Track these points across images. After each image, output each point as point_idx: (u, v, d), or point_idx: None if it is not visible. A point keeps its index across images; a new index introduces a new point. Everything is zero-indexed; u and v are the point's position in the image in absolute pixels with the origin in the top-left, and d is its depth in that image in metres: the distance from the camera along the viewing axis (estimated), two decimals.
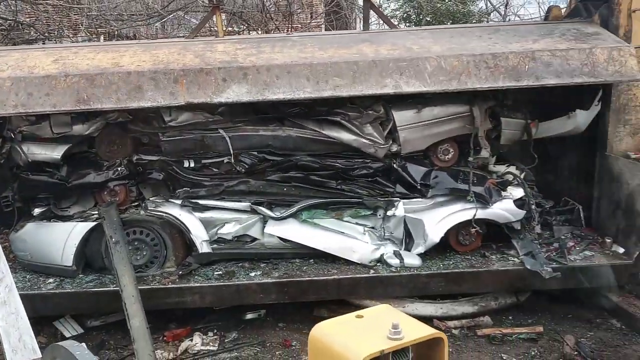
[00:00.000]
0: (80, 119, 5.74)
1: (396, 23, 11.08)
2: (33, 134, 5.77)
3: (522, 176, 6.37)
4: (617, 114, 6.18)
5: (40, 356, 2.22)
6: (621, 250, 6.00)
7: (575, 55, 5.62)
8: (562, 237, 6.26)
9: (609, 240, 6.14)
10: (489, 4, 14.91)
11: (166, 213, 5.87)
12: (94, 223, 5.74)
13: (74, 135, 5.79)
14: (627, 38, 5.99)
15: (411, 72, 5.50)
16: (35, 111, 5.40)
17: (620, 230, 6.07)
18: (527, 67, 5.58)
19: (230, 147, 5.81)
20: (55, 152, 5.73)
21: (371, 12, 7.04)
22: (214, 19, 6.74)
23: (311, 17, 15.02)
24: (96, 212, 5.81)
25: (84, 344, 2.30)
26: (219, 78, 5.42)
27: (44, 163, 5.83)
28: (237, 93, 5.38)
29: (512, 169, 6.46)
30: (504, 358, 5.40)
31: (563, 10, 7.09)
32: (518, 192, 6.16)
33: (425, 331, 3.08)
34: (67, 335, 5.84)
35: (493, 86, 5.62)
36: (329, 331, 3.15)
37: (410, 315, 5.79)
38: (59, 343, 1.77)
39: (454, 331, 5.83)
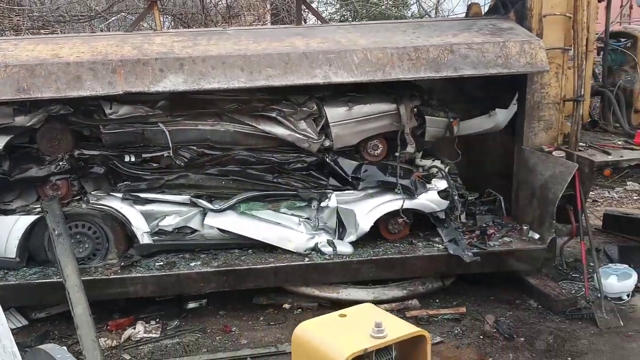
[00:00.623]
0: (22, 111, 5.89)
1: None
2: None
3: (446, 170, 6.82)
4: (531, 111, 6.70)
5: None
6: (536, 236, 6.50)
7: (490, 48, 6.10)
8: (484, 225, 6.74)
9: (525, 227, 6.64)
10: (421, 9, 15.54)
11: (108, 206, 6.08)
12: (37, 216, 5.90)
13: (16, 126, 5.93)
14: None
15: (339, 63, 5.89)
16: None
17: (535, 218, 6.58)
18: (446, 59, 6.03)
19: (169, 140, 6.07)
20: None
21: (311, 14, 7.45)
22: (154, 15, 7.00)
23: (258, 19, 15.31)
24: (39, 206, 5.97)
25: (64, 348, 2.44)
26: (156, 68, 5.67)
27: None
28: (173, 82, 5.65)
29: (437, 163, 6.91)
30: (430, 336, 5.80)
31: (484, 8, 7.60)
32: (442, 184, 6.61)
33: (407, 329, 3.09)
34: (12, 327, 5.96)
35: (415, 77, 6.07)
36: (312, 331, 3.12)
37: (343, 300, 6.25)
38: (40, 346, 1.83)
39: None
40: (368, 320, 3.05)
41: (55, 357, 1.78)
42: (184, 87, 5.67)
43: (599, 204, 10.12)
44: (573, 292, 6.50)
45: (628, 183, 10.87)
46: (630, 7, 10.35)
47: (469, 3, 7.72)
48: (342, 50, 5.97)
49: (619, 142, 6.78)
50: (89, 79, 5.59)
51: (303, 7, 7.45)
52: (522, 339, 5.76)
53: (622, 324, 5.94)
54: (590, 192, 10.61)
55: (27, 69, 5.56)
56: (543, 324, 6.04)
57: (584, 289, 6.37)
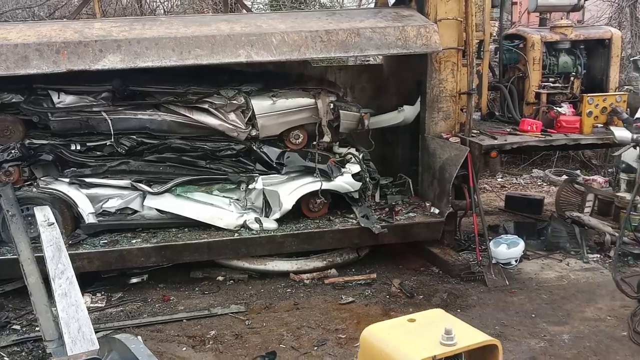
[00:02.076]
0: None
1: None
2: None
3: (360, 156, 7.76)
4: (432, 104, 7.70)
5: (98, 347, 2.19)
6: (437, 211, 7.50)
7: (391, 32, 7.05)
8: (393, 203, 7.71)
9: (428, 204, 7.64)
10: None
11: (56, 190, 6.76)
12: None
13: None
14: None
15: (260, 44, 6.73)
16: None
17: (436, 196, 7.59)
18: (353, 41, 6.95)
19: (111, 128, 6.80)
20: None
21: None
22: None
23: None
24: None
25: (139, 337, 2.34)
26: (95, 49, 6.40)
27: None
28: (112, 61, 6.39)
29: (353, 150, 7.84)
30: (343, 297, 6.71)
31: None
32: (355, 168, 7.55)
33: (479, 337, 2.93)
34: None
35: (326, 56, 7.02)
36: (381, 334, 3.04)
37: (270, 271, 7.10)
38: (115, 335, 1.80)
39: (306, 281, 7.10)
40: (437, 326, 2.90)
41: (130, 347, 1.66)
42: (121, 65, 6.41)
43: (506, 188, 11.26)
44: (471, 260, 7.51)
45: (534, 170, 12.08)
46: (528, 13, 11.53)
47: None
48: (263, 33, 6.80)
49: (508, 129, 7.83)
50: (35, 59, 6.27)
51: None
52: (421, 296, 6.74)
53: (508, 284, 6.99)
54: (500, 179, 11.83)
55: None
56: (441, 285, 7.03)
57: (480, 257, 7.38)
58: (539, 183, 11.61)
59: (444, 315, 3.23)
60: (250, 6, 12.91)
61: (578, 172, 11.05)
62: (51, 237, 2.97)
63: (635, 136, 5.88)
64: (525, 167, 12.28)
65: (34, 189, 6.75)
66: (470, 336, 2.92)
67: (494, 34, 8.83)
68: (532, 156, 12.36)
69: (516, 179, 11.86)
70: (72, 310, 2.82)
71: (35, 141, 6.79)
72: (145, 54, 6.46)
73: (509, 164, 12.61)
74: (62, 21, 7.38)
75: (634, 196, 6.25)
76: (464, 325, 3.06)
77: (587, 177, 9.71)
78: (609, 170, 10.91)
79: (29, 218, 6.73)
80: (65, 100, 6.72)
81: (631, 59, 4.92)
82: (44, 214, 3.12)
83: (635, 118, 4.93)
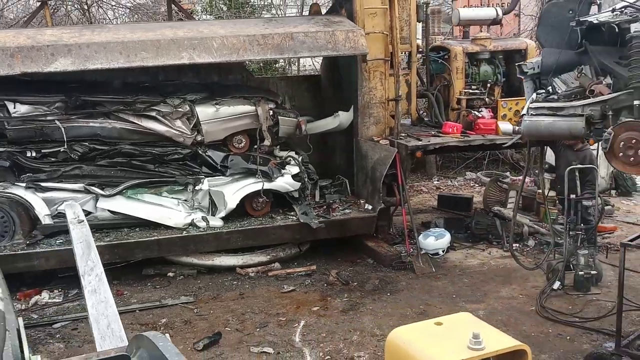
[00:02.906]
0: None
1: None
2: None
3: (299, 159, 8.42)
4: (363, 109, 8.42)
5: (127, 344, 2.12)
6: (370, 207, 8.20)
7: (322, 36, 7.73)
8: (330, 201, 8.38)
9: (362, 201, 8.34)
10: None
11: (13, 194, 7.21)
12: None
13: None
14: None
15: (202, 47, 7.32)
16: None
17: (369, 194, 8.29)
18: (287, 44, 7.60)
19: (64, 135, 7.29)
20: None
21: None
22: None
23: None
24: None
25: (167, 335, 2.31)
26: (48, 53, 6.89)
27: None
28: (63, 64, 6.89)
29: (292, 153, 8.50)
30: (285, 287, 7.33)
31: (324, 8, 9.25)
32: (295, 170, 8.20)
33: (507, 342, 2.87)
34: None
35: (263, 58, 7.67)
36: (407, 337, 3.00)
37: (217, 266, 7.68)
38: (143, 333, 1.79)
39: (251, 274, 7.70)
40: (465, 330, 2.85)
41: (158, 344, 1.61)
42: (72, 67, 6.91)
43: (442, 190, 12.07)
44: (401, 251, 8.22)
45: (467, 173, 12.95)
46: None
47: (311, 3, 9.44)
48: (204, 37, 7.39)
49: (432, 132, 8.61)
50: None
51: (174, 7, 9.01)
52: (356, 283, 7.41)
53: (434, 270, 7.72)
54: (436, 182, 12.65)
55: None
56: (374, 273, 7.72)
57: (411, 248, 8.09)
58: (472, 184, 12.46)
59: (471, 319, 3.16)
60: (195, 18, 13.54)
61: (507, 173, 11.94)
62: (81, 234, 3.04)
63: (516, 128, 6.73)
64: (459, 170, 13.15)
65: None
66: (498, 341, 2.86)
67: (421, 47, 9.63)
68: (465, 159, 13.24)
69: (451, 181, 12.69)
70: (101, 307, 2.76)
71: None
72: (95, 57, 6.98)
73: (445, 168, 13.47)
74: (14, 29, 7.84)
75: (523, 180, 7.16)
76: (492, 330, 2.99)
77: (514, 178, 10.61)
78: (535, 171, 11.84)
79: None
80: (20, 110, 7.19)
81: (516, 64, 5.69)
82: (74, 212, 3.25)
83: (521, 114, 5.72)
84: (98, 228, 7.60)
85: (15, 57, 6.78)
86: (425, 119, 9.57)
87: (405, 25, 8.77)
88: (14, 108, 7.13)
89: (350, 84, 8.66)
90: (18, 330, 1.87)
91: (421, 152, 8.05)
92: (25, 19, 9.68)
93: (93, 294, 2.82)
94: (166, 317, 6.62)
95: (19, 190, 7.25)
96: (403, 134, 8.36)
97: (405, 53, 9.14)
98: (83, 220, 3.13)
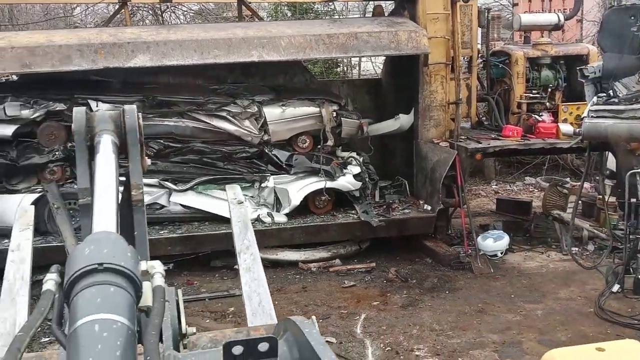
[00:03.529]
0: (27, 106, 7.50)
1: None
2: None
3: (360, 159, 8.68)
4: (424, 112, 8.63)
5: (276, 322, 2.13)
6: (429, 208, 8.39)
7: (385, 36, 7.98)
8: (390, 201, 8.62)
9: (421, 202, 8.54)
10: None
11: None
12: (38, 195, 7.50)
13: (22, 118, 7.51)
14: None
15: (270, 46, 7.68)
16: None
17: (428, 194, 8.48)
18: (352, 43, 7.89)
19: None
20: (7, 130, 7.46)
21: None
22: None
23: None
24: (39, 187, 7.58)
25: (313, 319, 2.23)
26: (128, 49, 7.37)
27: None
28: (142, 60, 7.35)
29: (354, 154, 8.77)
30: (346, 282, 7.61)
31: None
32: (356, 170, 8.48)
33: None
34: None
35: (328, 56, 7.94)
36: None
37: (281, 260, 8.01)
38: (291, 317, 1.74)
39: (313, 269, 8.00)
40: (630, 359, 2.61)
41: (304, 331, 1.55)
42: (150, 63, 7.38)
43: (500, 194, 12.12)
44: (460, 251, 8.38)
45: (526, 178, 12.95)
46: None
47: (374, 5, 9.71)
48: (273, 36, 7.75)
49: (492, 135, 8.74)
50: (76, 58, 7.25)
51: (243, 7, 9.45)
52: (414, 281, 7.62)
53: (492, 271, 7.85)
54: (495, 186, 12.71)
55: (29, 50, 7.17)
56: (432, 272, 7.91)
57: (469, 249, 8.24)
58: (531, 189, 12.46)
59: (637, 346, 2.86)
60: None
61: (567, 179, 11.91)
62: (239, 214, 3.14)
63: (577, 130, 6.82)
64: (519, 175, 13.16)
65: (75, 186, 7.68)
66: None
67: (481, 51, 9.77)
68: (524, 164, 13.24)
69: (509, 185, 12.72)
70: (254, 285, 2.81)
71: None
72: (171, 54, 7.43)
73: (503, 173, 13.49)
74: (97, 28, 8.39)
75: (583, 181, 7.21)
76: None
77: (574, 183, 10.60)
78: (596, 177, 11.78)
79: (70, 211, 7.69)
80: (102, 108, 7.66)
81: (577, 68, 5.80)
82: (234, 192, 3.36)
83: (582, 117, 5.84)
84: (170, 221, 8.05)
85: (99, 53, 7.27)
86: (485, 122, 9.70)
87: (466, 30, 8.95)
88: (97, 106, 7.60)
89: (411, 87, 8.88)
90: (177, 302, 1.93)
91: (481, 154, 8.21)
92: (106, 20, 10.30)
93: (247, 271, 2.91)
94: (234, 306, 6.97)
95: None
96: (463, 137, 8.53)
97: (465, 57, 9.30)
98: (242, 202, 3.29)
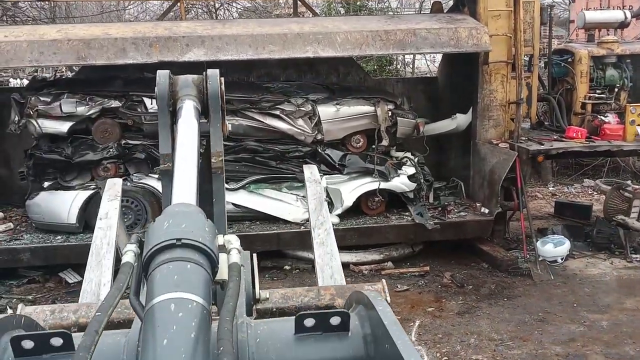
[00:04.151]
0: (83, 103, 7.52)
1: None
2: (46, 112, 7.48)
3: (415, 160, 8.45)
4: (482, 112, 8.34)
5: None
6: (486, 211, 8.11)
7: (445, 32, 7.70)
8: (445, 203, 8.36)
9: (478, 204, 8.26)
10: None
11: (147, 184, 7.69)
12: (92, 192, 7.52)
13: (78, 115, 7.54)
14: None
15: (326, 42, 7.48)
16: (46, 64, 7.41)
17: (485, 197, 8.20)
18: (410, 40, 7.63)
19: None
20: (63, 127, 7.51)
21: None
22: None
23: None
24: (93, 184, 7.60)
25: (386, 290, 2.37)
26: (183, 43, 7.29)
27: (52, 142, 7.59)
28: (197, 54, 7.27)
29: (408, 154, 8.54)
30: (399, 286, 7.40)
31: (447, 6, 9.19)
32: (411, 170, 8.25)
33: None
34: (70, 281, 7.53)
35: (385, 53, 7.69)
36: None
37: None
38: (364, 291, 1.66)
39: (364, 272, 7.82)
40: None
41: (377, 308, 1.49)
42: (205, 58, 7.28)
43: (557, 197, 11.70)
44: (517, 256, 8.07)
45: (585, 180, 12.47)
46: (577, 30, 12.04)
47: (433, 2, 9.44)
48: (328, 32, 7.55)
49: (554, 137, 8.39)
50: (131, 51, 7.21)
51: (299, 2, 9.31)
52: (471, 287, 7.36)
53: (553, 278, 7.53)
54: (552, 188, 12.28)
55: (85, 42, 7.17)
56: (489, 277, 7.64)
57: (528, 254, 7.92)
58: (590, 192, 11.99)
59: None
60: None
61: (629, 182, 11.42)
62: (315, 192, 3.27)
63: None
64: (577, 177, 12.69)
65: (128, 183, 7.69)
66: None
67: (543, 49, 9.41)
68: (583, 166, 12.76)
69: (567, 188, 12.27)
70: (327, 258, 2.92)
71: (130, 142, 7.74)
72: (226, 49, 7.32)
73: (561, 175, 13.04)
74: (152, 21, 8.36)
75: None
76: None
77: (637, 187, 10.12)
78: None
79: (123, 209, 7.69)
80: (155, 106, 7.64)
81: None
82: (310, 172, 3.52)
83: None
84: None
85: (154, 47, 7.21)
86: (545, 123, 9.34)
87: (528, 28, 8.60)
88: (151, 104, 7.58)
89: (468, 86, 8.60)
90: (252, 266, 1.99)
91: (543, 156, 7.88)
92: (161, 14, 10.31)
93: (321, 245, 3.01)
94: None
95: (152, 182, 7.71)
96: (523, 138, 8.21)
97: (526, 56, 8.95)
98: (319, 181, 3.41)
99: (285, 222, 7.90)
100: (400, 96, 8.79)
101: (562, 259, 8.02)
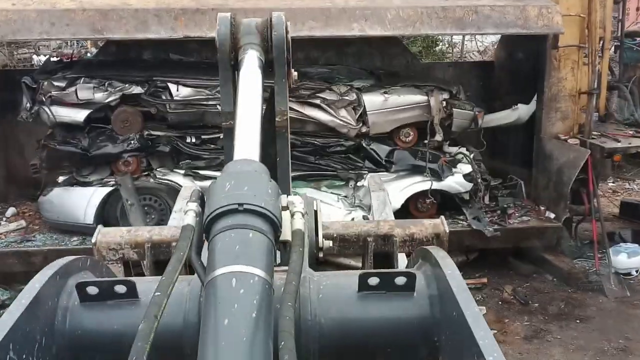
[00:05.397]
0: (101, 89, 6.74)
1: None
2: (61, 99, 6.71)
3: (471, 156, 7.52)
4: (549, 103, 7.36)
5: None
6: (552, 215, 7.18)
7: (511, 11, 6.71)
8: (505, 205, 7.43)
9: (543, 208, 7.32)
10: None
11: (172, 181, 6.91)
12: (111, 188, 6.76)
13: (95, 102, 6.76)
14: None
15: (374, 18, 6.52)
16: (57, 37, 6.64)
17: (552, 200, 7.26)
18: (470, 18, 6.63)
19: None
20: (79, 115, 6.73)
21: None
22: None
23: None
24: (112, 179, 6.83)
25: (442, 221, 2.38)
26: (212, 17, 6.39)
27: (67, 132, 6.83)
28: None
29: (463, 150, 7.61)
30: None
31: None
32: (467, 169, 7.32)
33: None
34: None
35: (442, 33, 6.71)
36: None
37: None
38: (431, 249, 1.61)
39: None
40: None
41: (445, 272, 1.48)
42: None
43: (619, 194, 10.67)
44: (586, 267, 7.15)
45: None
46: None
47: None
48: (378, 7, 6.57)
49: (630, 132, 7.40)
50: (154, 24, 6.32)
51: None
52: (537, 304, 6.47)
53: (629, 295, 6.60)
54: (611, 184, 11.23)
55: (101, 13, 6.31)
56: (556, 293, 6.73)
57: (595, 266, 7.00)
58: None
59: None
60: None
61: None
62: (380, 196, 3.44)
63: None
64: (639, 172, 11.62)
65: (151, 180, 6.92)
66: None
67: (615, 31, 8.36)
68: None
69: (629, 184, 11.22)
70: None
71: (153, 132, 6.95)
72: None
73: (619, 168, 11.95)
74: None
75: None
76: None
77: None
78: None
79: (145, 208, 6.93)
80: (182, 92, 6.83)
81: None
82: (374, 181, 3.83)
83: None
84: None
85: (179, 20, 6.34)
86: (616, 115, 8.32)
87: (599, 7, 7.56)
88: (177, 90, 6.77)
89: (531, 73, 7.61)
90: (315, 213, 1.93)
91: (620, 155, 6.91)
92: None
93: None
94: None
95: (177, 178, 6.93)
96: (595, 133, 7.23)
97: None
98: (383, 188, 3.63)
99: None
100: (455, 83, 7.84)
101: (636, 272, 7.07)
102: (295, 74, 2.16)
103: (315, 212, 1.96)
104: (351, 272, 1.55)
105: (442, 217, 2.44)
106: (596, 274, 6.89)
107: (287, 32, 1.99)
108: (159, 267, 3.39)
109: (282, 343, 1.13)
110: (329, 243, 2.07)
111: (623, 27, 8.25)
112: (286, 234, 1.35)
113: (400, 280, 1.49)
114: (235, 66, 1.91)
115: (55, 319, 1.45)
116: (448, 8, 6.67)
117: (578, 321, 6.09)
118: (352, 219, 6.95)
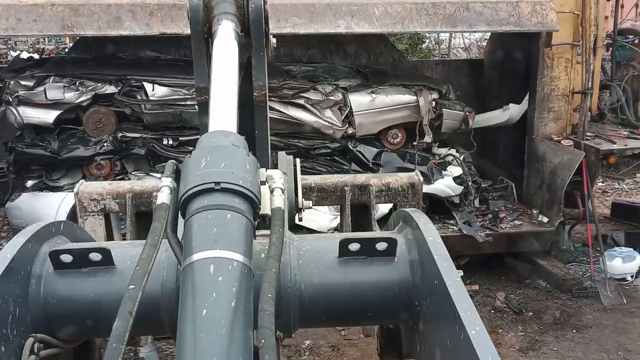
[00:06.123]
0: (72, 88, 6.38)
1: None
2: (28, 99, 6.35)
3: (461, 158, 7.24)
4: (541, 103, 7.11)
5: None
6: (545, 219, 6.93)
7: (504, 7, 6.42)
8: (496, 209, 7.17)
9: (535, 212, 7.07)
10: None
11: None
12: None
13: (66, 102, 6.40)
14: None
15: (361, 15, 6.19)
16: (23, 34, 6.19)
17: (544, 203, 7.00)
18: (462, 15, 6.33)
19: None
20: (49, 117, 6.37)
21: None
22: None
23: None
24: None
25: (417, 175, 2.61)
26: None
27: (36, 134, 6.46)
28: None
29: (453, 151, 7.34)
30: None
31: None
32: (457, 171, 7.04)
33: None
34: None
35: (432, 30, 6.42)
36: None
37: None
38: (411, 213, 1.62)
39: None
40: None
41: (427, 239, 1.48)
42: None
43: (608, 194, 10.47)
44: (580, 273, 6.91)
45: (638, 175, 11.22)
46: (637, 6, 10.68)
47: None
48: (365, 3, 6.25)
49: (625, 133, 7.16)
50: (128, 20, 5.95)
51: None
52: (531, 313, 6.21)
53: (625, 302, 6.37)
54: (600, 184, 11.03)
55: (72, 8, 5.93)
56: (551, 300, 6.48)
57: (590, 271, 6.77)
58: None
59: None
60: None
61: None
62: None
63: None
64: (630, 170, 11.42)
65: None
66: None
67: (608, 29, 8.13)
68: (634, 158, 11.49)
69: (618, 183, 11.04)
70: None
71: (127, 134, 6.61)
72: None
73: (609, 167, 11.77)
74: None
75: None
76: None
77: None
78: None
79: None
80: (158, 92, 6.48)
81: None
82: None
83: None
84: None
85: (155, 16, 5.96)
86: (608, 114, 8.09)
87: (593, 4, 7.32)
88: (153, 90, 6.42)
89: (523, 72, 7.35)
90: (294, 172, 1.93)
91: (616, 157, 6.66)
92: None
93: None
94: (310, 338, 5.73)
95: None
96: (589, 134, 6.98)
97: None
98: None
99: (310, 230, 6.74)
100: (444, 82, 7.55)
101: (631, 277, 6.85)
102: (274, 40, 2.06)
103: (295, 171, 1.98)
104: (331, 235, 1.56)
105: (417, 170, 2.41)
106: (591, 279, 6.65)
107: (264, 1, 1.88)
108: (140, 218, 3.18)
109: (263, 341, 1.09)
110: (309, 203, 2.05)
111: (616, 25, 8.03)
112: (266, 208, 1.30)
113: (381, 246, 1.51)
114: (209, 38, 1.83)
115: (29, 287, 1.42)
116: (438, 4, 6.37)
117: (574, 331, 5.84)
118: (337, 225, 6.68)
